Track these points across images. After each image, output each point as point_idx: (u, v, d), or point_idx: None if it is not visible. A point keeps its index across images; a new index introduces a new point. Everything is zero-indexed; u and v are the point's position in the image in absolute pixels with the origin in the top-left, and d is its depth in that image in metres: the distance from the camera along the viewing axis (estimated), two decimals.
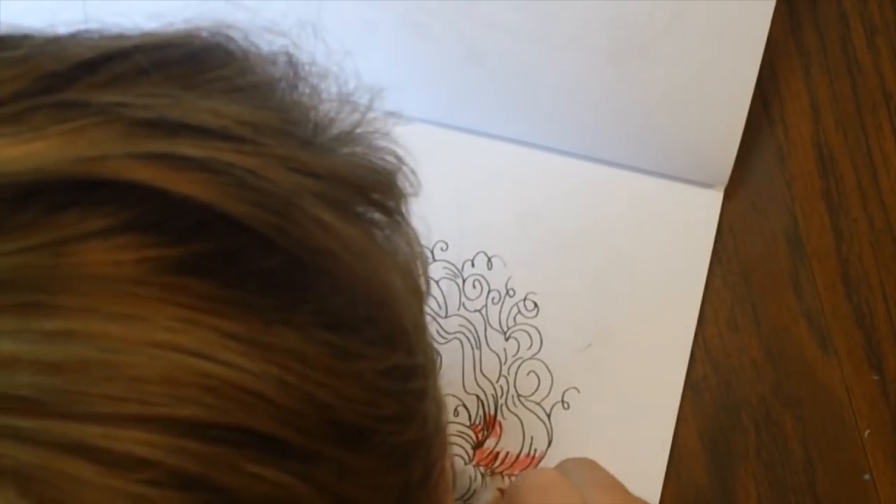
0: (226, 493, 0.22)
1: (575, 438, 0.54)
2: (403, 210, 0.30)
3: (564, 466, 0.39)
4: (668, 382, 0.54)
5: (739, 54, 0.53)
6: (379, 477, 0.25)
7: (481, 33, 0.54)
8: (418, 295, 0.30)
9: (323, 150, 0.28)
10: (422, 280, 0.31)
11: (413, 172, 0.30)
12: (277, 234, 0.24)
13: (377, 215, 0.28)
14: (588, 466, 0.39)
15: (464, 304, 0.55)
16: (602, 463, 0.53)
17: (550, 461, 0.54)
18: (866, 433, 0.54)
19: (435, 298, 0.55)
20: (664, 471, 0.54)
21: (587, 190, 0.56)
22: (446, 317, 0.55)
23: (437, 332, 0.55)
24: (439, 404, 0.29)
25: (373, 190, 0.28)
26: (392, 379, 0.26)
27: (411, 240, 0.30)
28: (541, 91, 0.55)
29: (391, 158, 0.30)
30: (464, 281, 0.55)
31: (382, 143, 0.30)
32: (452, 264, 0.55)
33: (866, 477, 0.53)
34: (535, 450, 0.54)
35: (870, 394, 0.54)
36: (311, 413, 0.23)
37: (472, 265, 0.56)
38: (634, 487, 0.54)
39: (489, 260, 0.56)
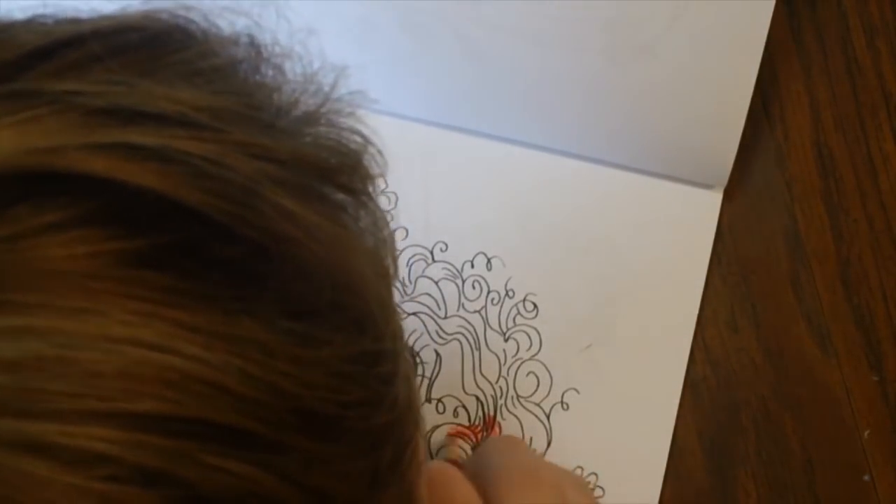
0: (188, 486, 0.21)
1: (574, 439, 0.54)
2: (370, 191, 0.29)
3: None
4: (668, 382, 0.54)
5: (739, 54, 0.53)
6: (348, 463, 0.25)
7: (480, 34, 0.54)
8: (386, 277, 0.30)
9: (286, 132, 0.27)
10: (389, 261, 0.30)
11: (379, 152, 0.29)
12: (237, 223, 0.23)
13: (343, 197, 0.28)
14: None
15: (463, 305, 0.55)
16: (602, 464, 0.53)
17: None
18: (866, 433, 0.54)
19: (434, 299, 0.55)
20: (664, 471, 0.54)
21: (587, 191, 0.56)
22: (446, 318, 0.55)
23: (437, 332, 0.55)
24: (410, 383, 0.29)
25: (338, 172, 0.27)
26: (358, 364, 0.25)
27: (378, 221, 0.29)
28: (540, 91, 0.55)
29: (357, 138, 0.29)
30: (463, 282, 0.55)
31: (348, 123, 0.29)
32: (452, 265, 0.55)
33: (866, 477, 0.53)
34: (535, 450, 0.54)
35: (869, 394, 0.54)
36: (275, 403, 0.23)
37: (472, 266, 0.55)
38: (634, 487, 0.54)
39: (489, 261, 0.55)
